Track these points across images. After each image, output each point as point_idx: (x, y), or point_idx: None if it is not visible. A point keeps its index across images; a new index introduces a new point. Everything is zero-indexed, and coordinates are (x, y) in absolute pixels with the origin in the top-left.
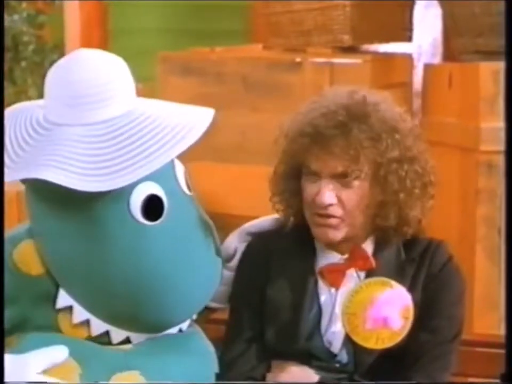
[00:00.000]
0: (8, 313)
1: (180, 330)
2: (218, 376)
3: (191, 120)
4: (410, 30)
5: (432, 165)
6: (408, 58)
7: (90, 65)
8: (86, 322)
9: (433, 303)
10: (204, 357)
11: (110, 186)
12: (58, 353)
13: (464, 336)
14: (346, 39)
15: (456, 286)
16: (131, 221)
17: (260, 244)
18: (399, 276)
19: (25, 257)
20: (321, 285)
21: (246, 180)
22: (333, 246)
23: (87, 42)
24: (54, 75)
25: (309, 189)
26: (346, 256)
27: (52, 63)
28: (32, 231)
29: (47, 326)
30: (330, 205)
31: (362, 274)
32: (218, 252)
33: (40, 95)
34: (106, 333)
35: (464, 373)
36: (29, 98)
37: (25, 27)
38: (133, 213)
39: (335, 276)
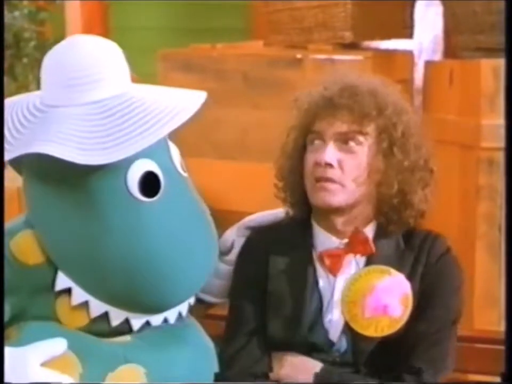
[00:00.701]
0: (7, 304)
1: (180, 316)
2: (220, 372)
3: (181, 102)
4: (411, 27)
5: (432, 157)
6: (409, 55)
7: (84, 49)
8: (85, 304)
9: (430, 294)
10: (204, 350)
11: (106, 160)
12: (57, 345)
13: (464, 332)
14: (347, 35)
15: (453, 276)
16: (128, 198)
17: (259, 237)
18: (398, 265)
19: (23, 247)
20: (320, 272)
21: (246, 176)
22: (333, 230)
23: None
24: (49, 60)
25: (312, 155)
26: (345, 241)
27: None
28: (29, 221)
29: (46, 315)
30: (330, 165)
31: (361, 261)
32: (213, 235)
33: None
34: (105, 315)
35: (464, 369)
36: None
37: (26, 24)
38: (130, 189)
39: (333, 261)
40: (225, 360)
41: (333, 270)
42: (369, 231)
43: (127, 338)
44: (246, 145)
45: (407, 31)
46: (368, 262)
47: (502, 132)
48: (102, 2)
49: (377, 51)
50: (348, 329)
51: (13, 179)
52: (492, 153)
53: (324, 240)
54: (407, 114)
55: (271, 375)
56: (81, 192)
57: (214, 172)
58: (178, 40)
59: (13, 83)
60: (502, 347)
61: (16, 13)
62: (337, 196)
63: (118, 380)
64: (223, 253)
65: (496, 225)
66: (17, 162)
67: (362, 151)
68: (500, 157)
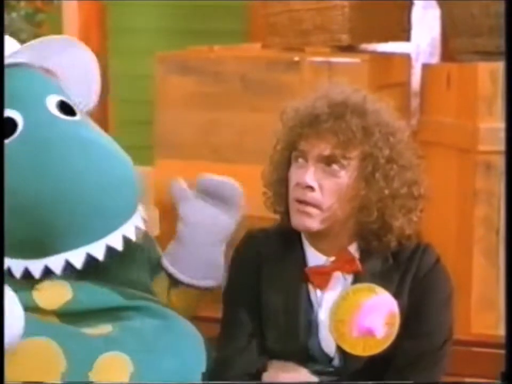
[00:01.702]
0: None
1: (110, 250)
2: (216, 373)
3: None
4: (409, 29)
5: (424, 179)
6: (406, 58)
7: None
8: (61, 284)
9: (420, 307)
10: (188, 338)
11: None
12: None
13: (461, 336)
14: (345, 38)
15: (444, 288)
16: None
17: (250, 245)
18: (386, 281)
19: None
20: (311, 286)
21: (244, 179)
22: (320, 247)
23: (85, 41)
24: None
25: (295, 174)
26: (332, 258)
27: None
28: None
29: (24, 302)
30: (311, 187)
31: (349, 277)
32: (109, 165)
33: None
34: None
35: (461, 373)
36: None
37: (23, 25)
38: None
39: (321, 277)
40: (222, 361)
41: (320, 287)
42: (355, 248)
43: (108, 328)
44: (243, 148)
45: (404, 34)
46: (356, 278)
47: (499, 135)
48: (99, 4)
49: (375, 54)
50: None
51: None
52: (490, 157)
53: (313, 256)
54: (395, 135)
55: (265, 374)
56: None
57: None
58: (176, 42)
59: None
60: (500, 351)
61: (14, 14)
62: (314, 220)
63: (104, 367)
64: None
65: (493, 229)
66: None
67: (345, 174)
68: (498, 160)
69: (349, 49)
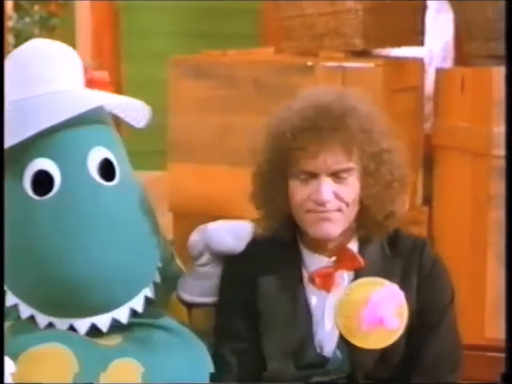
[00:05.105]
0: None
1: (135, 313)
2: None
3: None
4: (422, 34)
5: (401, 160)
6: (419, 62)
7: (42, 52)
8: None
9: (428, 309)
10: (195, 349)
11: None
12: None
13: (475, 341)
14: (358, 43)
15: (448, 288)
16: (23, 195)
17: (243, 253)
18: (387, 273)
19: None
20: (311, 289)
21: None
22: (320, 249)
23: (98, 45)
24: (11, 61)
25: (302, 189)
26: (333, 258)
27: None
28: None
29: None
30: (329, 202)
31: (351, 274)
32: (142, 235)
33: None
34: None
35: (476, 377)
36: None
37: (37, 30)
38: (24, 187)
39: (325, 279)
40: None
41: (326, 288)
42: (354, 244)
43: (118, 339)
44: (256, 152)
45: (418, 38)
46: (357, 274)
47: None
48: (112, 8)
49: (388, 58)
50: (344, 343)
51: None
52: (504, 161)
53: (312, 259)
54: (380, 123)
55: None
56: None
57: (224, 178)
58: (190, 46)
59: None
60: None
61: (27, 19)
62: (336, 225)
63: (116, 369)
64: (195, 257)
65: None
66: None
67: (353, 178)
68: None
69: (363, 54)
